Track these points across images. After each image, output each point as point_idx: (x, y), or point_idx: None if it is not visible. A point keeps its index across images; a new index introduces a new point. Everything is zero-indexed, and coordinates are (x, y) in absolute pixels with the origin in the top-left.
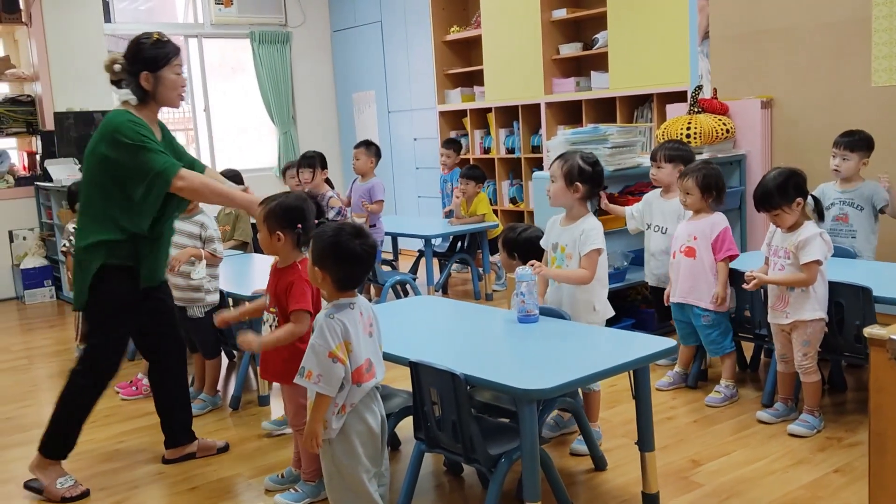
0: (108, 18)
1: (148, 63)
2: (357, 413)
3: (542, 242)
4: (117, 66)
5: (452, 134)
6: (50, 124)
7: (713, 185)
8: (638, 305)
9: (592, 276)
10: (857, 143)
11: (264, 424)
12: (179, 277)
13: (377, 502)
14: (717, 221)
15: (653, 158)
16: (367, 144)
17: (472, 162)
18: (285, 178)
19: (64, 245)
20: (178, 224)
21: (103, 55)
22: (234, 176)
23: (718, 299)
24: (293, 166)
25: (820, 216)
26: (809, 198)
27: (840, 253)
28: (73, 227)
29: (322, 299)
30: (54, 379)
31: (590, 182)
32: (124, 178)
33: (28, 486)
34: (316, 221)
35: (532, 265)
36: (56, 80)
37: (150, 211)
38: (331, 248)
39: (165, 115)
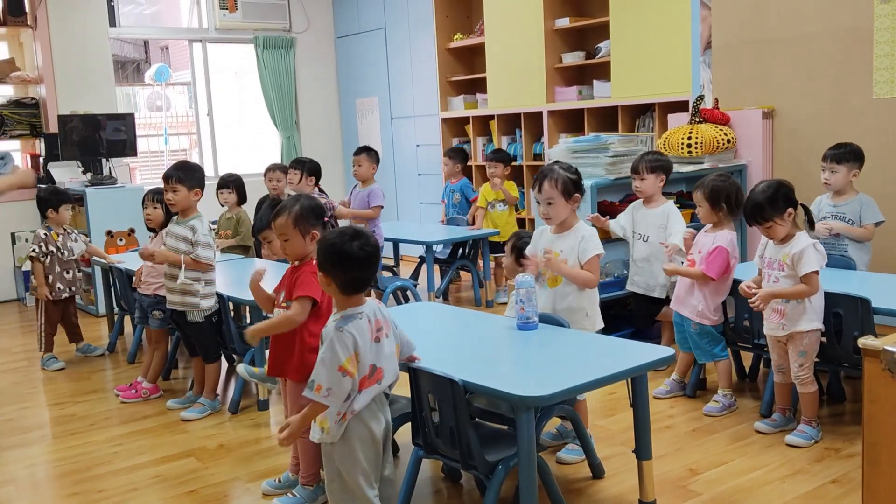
0: (112, 22)
1: None
2: (360, 419)
3: (527, 251)
4: None
5: (455, 141)
6: (54, 127)
7: (722, 197)
8: (635, 314)
9: (597, 280)
10: (844, 155)
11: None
12: (173, 281)
13: None
14: (719, 237)
15: (635, 171)
16: (368, 150)
17: (473, 169)
18: (266, 180)
19: (33, 250)
20: (172, 227)
21: (108, 58)
22: (235, 180)
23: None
24: (274, 169)
25: (811, 225)
26: (801, 208)
27: (839, 264)
28: (44, 233)
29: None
30: (54, 381)
31: (581, 189)
32: None
33: None
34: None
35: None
36: (60, 82)
37: None
38: (332, 253)
39: (171, 118)
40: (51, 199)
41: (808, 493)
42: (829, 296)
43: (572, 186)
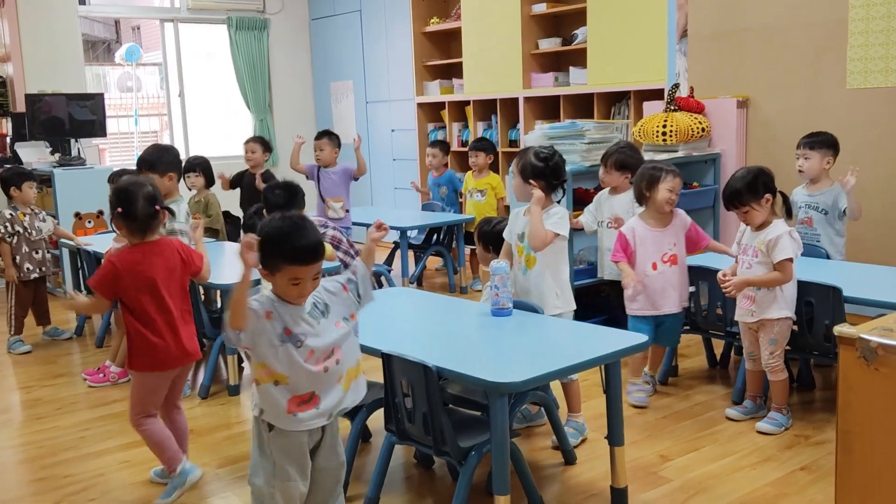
0: (82, 0)
1: None
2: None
3: (505, 234)
4: None
5: (430, 126)
6: (21, 106)
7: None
8: (611, 301)
9: (546, 236)
10: (818, 142)
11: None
12: None
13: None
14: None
15: (603, 162)
16: (330, 135)
17: (450, 155)
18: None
19: None
20: None
21: (77, 37)
22: (202, 163)
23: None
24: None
25: (788, 214)
26: (780, 196)
27: (812, 253)
28: (9, 213)
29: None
30: (21, 365)
31: (543, 178)
32: None
33: None
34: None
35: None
36: (28, 61)
37: None
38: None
39: (141, 99)
40: (13, 177)
41: (777, 480)
42: (801, 284)
43: (530, 169)
